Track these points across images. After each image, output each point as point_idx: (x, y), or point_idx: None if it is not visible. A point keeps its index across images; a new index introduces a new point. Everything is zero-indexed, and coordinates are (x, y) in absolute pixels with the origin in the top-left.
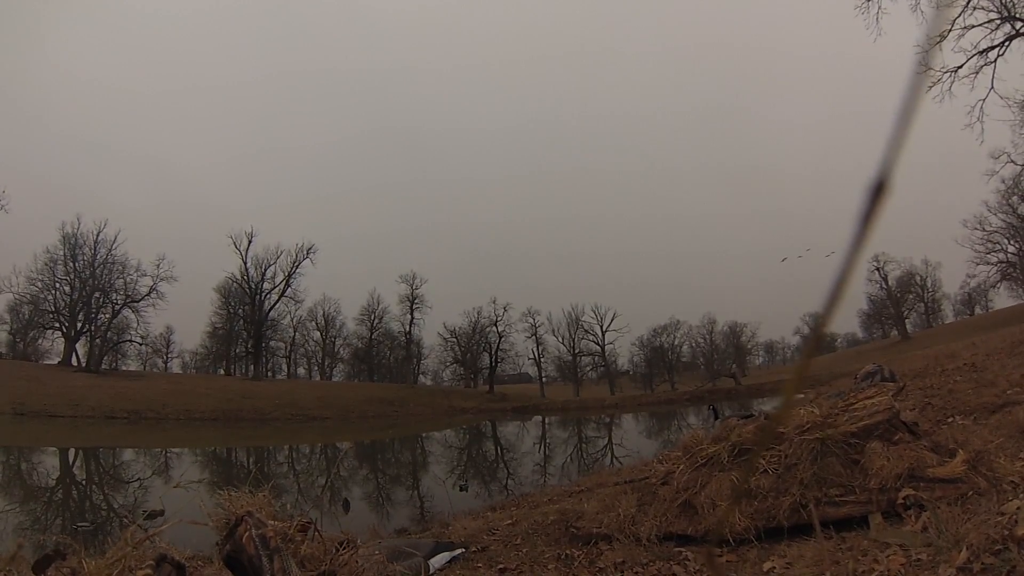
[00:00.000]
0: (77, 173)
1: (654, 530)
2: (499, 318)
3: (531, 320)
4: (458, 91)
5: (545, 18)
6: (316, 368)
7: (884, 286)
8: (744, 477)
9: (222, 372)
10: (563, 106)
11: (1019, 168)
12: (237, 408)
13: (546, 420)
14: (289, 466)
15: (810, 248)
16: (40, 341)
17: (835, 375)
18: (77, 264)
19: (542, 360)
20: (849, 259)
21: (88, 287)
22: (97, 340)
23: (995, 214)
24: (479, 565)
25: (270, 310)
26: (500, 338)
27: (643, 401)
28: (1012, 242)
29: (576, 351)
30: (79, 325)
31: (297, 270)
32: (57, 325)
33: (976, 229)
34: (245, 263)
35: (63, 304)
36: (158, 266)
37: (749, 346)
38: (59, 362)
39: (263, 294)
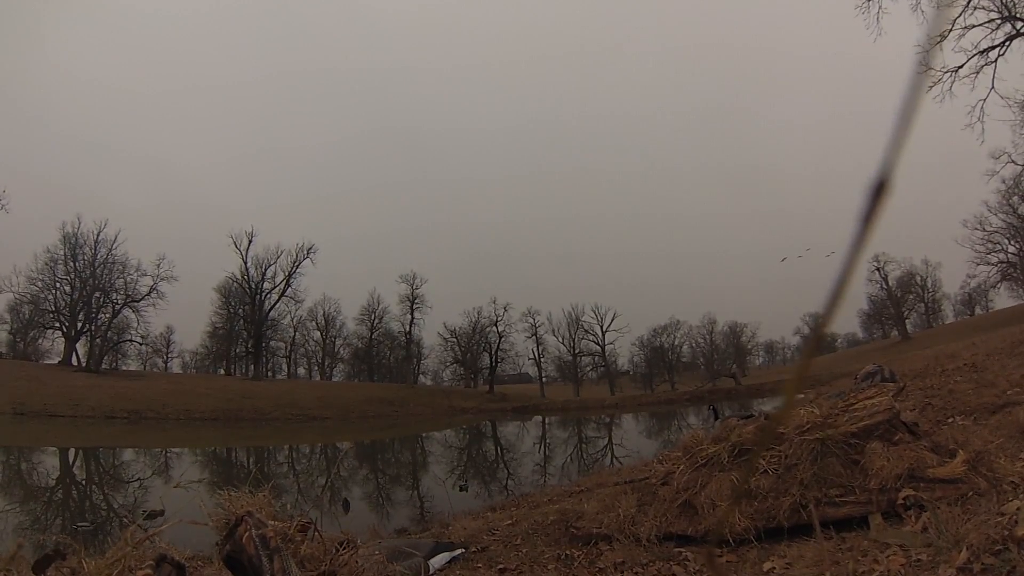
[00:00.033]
0: (77, 173)
1: (654, 530)
2: (499, 318)
3: (531, 320)
4: (458, 91)
5: (545, 18)
6: (316, 368)
7: (884, 286)
8: (744, 477)
9: (222, 372)
10: (563, 106)
11: (1019, 168)
12: (237, 408)
13: (546, 420)
14: (289, 466)
15: (810, 248)
16: (40, 341)
17: (835, 375)
18: (77, 264)
19: (542, 360)
20: (850, 259)
21: (88, 287)
22: (97, 340)
23: (995, 214)
24: (479, 565)
25: (270, 310)
26: (500, 338)
27: (643, 401)
28: (1012, 242)
29: (576, 351)
30: (79, 325)
31: (297, 270)
32: (57, 325)
33: (976, 229)
34: (245, 263)
35: (63, 304)
36: (158, 266)
37: (749, 346)
38: (59, 362)
39: (263, 294)
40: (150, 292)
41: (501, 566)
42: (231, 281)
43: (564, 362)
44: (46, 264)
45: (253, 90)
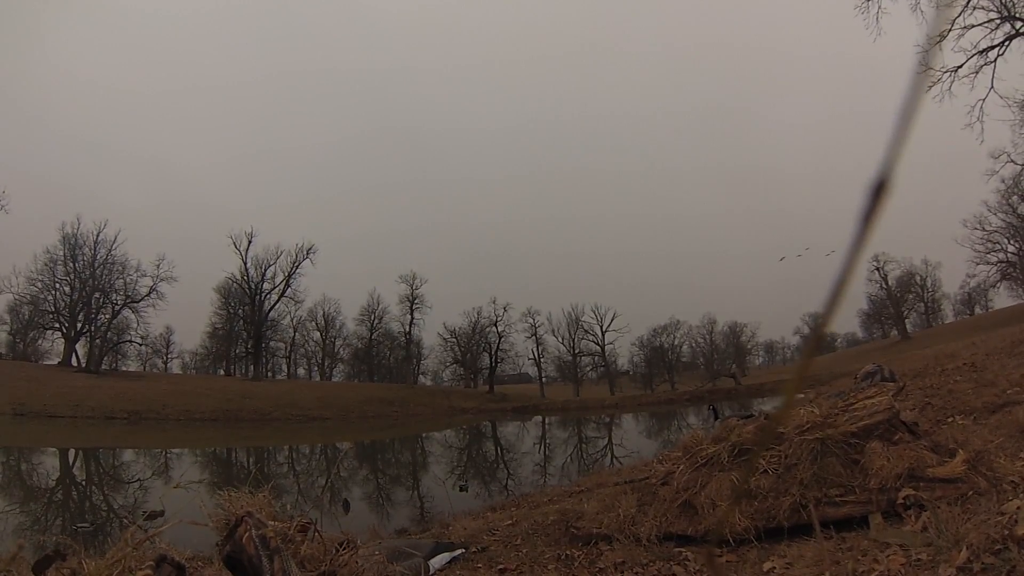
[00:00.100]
0: (77, 173)
1: (654, 530)
2: (499, 318)
3: (531, 320)
4: (458, 91)
5: (545, 18)
6: (316, 368)
7: (884, 286)
8: (744, 477)
9: (222, 372)
10: (563, 106)
11: (1019, 168)
12: (237, 408)
13: (546, 420)
14: (289, 466)
15: (809, 247)
16: (40, 342)
17: (835, 375)
18: (77, 264)
19: (542, 360)
20: (850, 259)
21: (88, 287)
22: (97, 340)
23: (995, 214)
24: (479, 565)
25: (270, 310)
26: (500, 338)
27: (643, 401)
28: (1012, 242)
29: (576, 351)
30: (79, 325)
31: (297, 270)
32: (57, 326)
33: (976, 229)
34: (245, 263)
35: (63, 304)
36: (158, 266)
37: (749, 346)
38: (59, 363)
39: (263, 294)
40: (150, 293)
41: (501, 566)
42: (231, 281)
43: (564, 362)
44: (46, 265)
45: (253, 90)
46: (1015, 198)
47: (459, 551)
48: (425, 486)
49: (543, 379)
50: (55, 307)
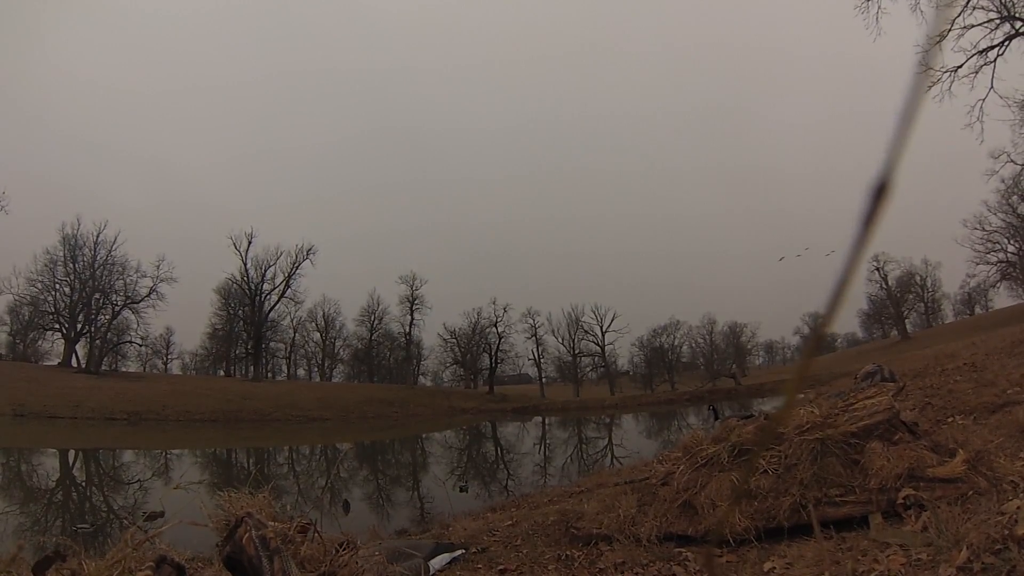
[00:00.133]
0: (77, 173)
1: (654, 530)
2: (499, 319)
3: (531, 321)
4: (458, 91)
5: (545, 18)
6: (316, 369)
7: (884, 286)
8: (744, 477)
9: (222, 373)
10: (563, 106)
11: (1019, 167)
12: (237, 409)
13: (546, 421)
14: (289, 467)
15: (808, 247)
16: (40, 342)
17: (835, 375)
18: (77, 265)
19: (542, 361)
20: (850, 260)
21: (88, 288)
22: (97, 341)
23: (995, 214)
24: (479, 566)
25: (270, 311)
26: (500, 339)
27: (643, 401)
28: (1012, 242)
29: (576, 351)
30: (79, 326)
31: (297, 271)
32: (57, 326)
33: (976, 229)
34: (245, 264)
35: (63, 305)
36: (158, 267)
37: (749, 346)
38: (59, 363)
39: (263, 295)
40: (150, 293)
41: (501, 567)
42: (231, 282)
43: (564, 362)
44: (45, 265)
45: (253, 90)
46: (1015, 198)
47: (459, 552)
48: (425, 487)
49: (543, 379)
50: (55, 308)
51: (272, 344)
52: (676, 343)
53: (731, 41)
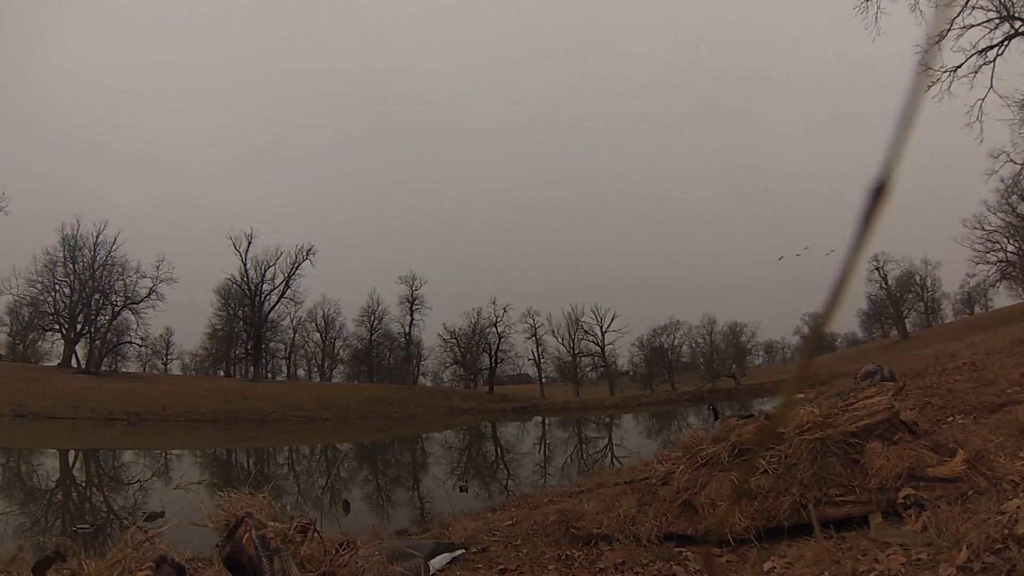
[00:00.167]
0: (77, 173)
1: (654, 530)
2: (499, 319)
3: (531, 321)
4: (458, 91)
5: (545, 18)
6: (316, 369)
7: (884, 286)
8: (744, 477)
9: (222, 374)
10: (563, 106)
11: (1018, 167)
12: (237, 409)
13: (546, 421)
14: (289, 467)
15: (808, 247)
16: (40, 343)
17: (835, 375)
18: (77, 266)
19: (542, 361)
20: (849, 260)
21: (88, 289)
22: (97, 342)
23: (994, 213)
24: (479, 566)
25: (270, 311)
26: (500, 339)
27: (643, 401)
28: (1011, 241)
29: (576, 351)
30: (79, 327)
31: (297, 271)
32: (57, 327)
33: (975, 228)
34: (245, 264)
35: (63, 306)
36: (158, 267)
37: (749, 346)
38: (59, 364)
39: (263, 295)
40: (149, 294)
41: (501, 567)
42: (230, 283)
43: (564, 363)
44: (45, 266)
45: (253, 90)
46: (1014, 197)
47: (459, 551)
48: (425, 487)
49: (543, 380)
50: (55, 308)
51: (272, 344)
52: (676, 343)
53: (731, 41)
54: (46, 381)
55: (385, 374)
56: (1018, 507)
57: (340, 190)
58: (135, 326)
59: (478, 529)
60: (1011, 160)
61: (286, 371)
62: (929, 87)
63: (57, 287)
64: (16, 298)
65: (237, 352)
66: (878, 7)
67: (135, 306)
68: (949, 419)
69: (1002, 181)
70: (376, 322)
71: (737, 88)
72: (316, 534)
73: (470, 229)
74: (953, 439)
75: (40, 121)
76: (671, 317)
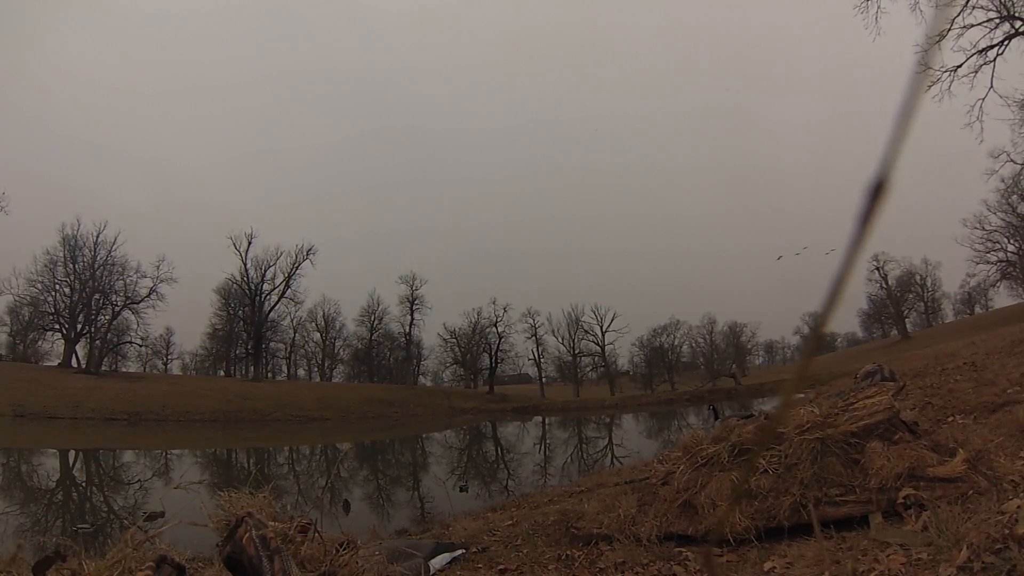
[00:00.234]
0: (77, 173)
1: (654, 530)
2: (499, 319)
3: (531, 321)
4: (458, 91)
5: (545, 18)
6: (316, 369)
7: (884, 285)
8: (744, 477)
9: (222, 373)
10: (563, 106)
11: (1018, 167)
12: (237, 409)
13: (546, 420)
14: (289, 467)
15: (807, 246)
16: (40, 343)
17: (835, 375)
18: (77, 266)
19: (542, 361)
20: (848, 259)
21: (88, 289)
22: (97, 342)
23: (995, 213)
24: (479, 566)
25: (270, 311)
26: (500, 339)
27: (643, 401)
28: (1012, 241)
29: (576, 351)
30: (79, 327)
31: (297, 271)
32: (57, 327)
33: (976, 228)
34: (245, 264)
35: (63, 306)
36: (158, 267)
37: (749, 346)
38: (59, 364)
39: (263, 295)
40: (150, 294)
41: (502, 566)
42: (231, 282)
43: (564, 362)
44: (45, 266)
45: (253, 90)
46: (1015, 197)
47: (459, 551)
48: (425, 487)
49: (543, 379)
50: (55, 308)
51: (272, 344)
52: (676, 343)
53: (731, 41)
54: (46, 381)
55: (385, 374)
56: (1018, 507)
57: (340, 190)
58: (135, 326)
59: (478, 529)
60: (1011, 160)
61: (286, 371)
62: (929, 87)
63: (57, 287)
64: (16, 298)
65: (237, 352)
66: (878, 7)
67: (135, 306)
68: (949, 419)
69: (1002, 181)
70: (376, 322)
71: (737, 88)
72: (316, 534)
73: (470, 229)
74: (953, 439)
75: (40, 121)
76: (671, 317)
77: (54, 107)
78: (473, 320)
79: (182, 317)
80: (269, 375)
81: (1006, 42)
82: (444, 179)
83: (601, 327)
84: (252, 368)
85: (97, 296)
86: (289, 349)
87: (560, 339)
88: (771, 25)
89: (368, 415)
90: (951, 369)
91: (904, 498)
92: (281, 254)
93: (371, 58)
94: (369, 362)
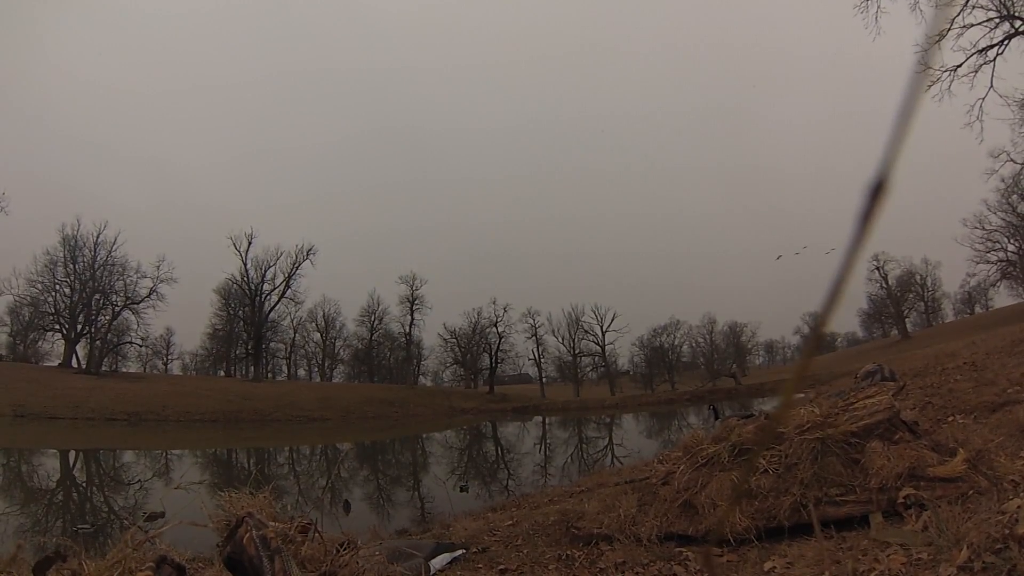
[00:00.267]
0: (77, 173)
1: (655, 530)
2: (499, 319)
3: (531, 320)
4: (458, 91)
5: (545, 18)
6: (316, 369)
7: (884, 285)
8: (744, 477)
9: (222, 374)
10: (563, 106)
11: (1018, 166)
12: (237, 409)
13: (546, 420)
14: (289, 467)
15: (807, 246)
16: (40, 343)
17: (835, 375)
18: (77, 266)
19: (542, 360)
20: (848, 258)
21: (88, 289)
22: (97, 342)
23: (995, 213)
24: (480, 566)
25: (270, 311)
26: (500, 339)
27: (643, 401)
28: (1012, 241)
29: (576, 351)
30: (79, 327)
31: (297, 271)
32: (57, 327)
33: (976, 228)
34: (245, 264)
35: (63, 306)
36: (158, 267)
37: (749, 346)
38: (59, 364)
39: (263, 295)
40: (150, 294)
41: (502, 566)
42: (231, 283)
43: (564, 362)
44: (46, 266)
45: (253, 90)
46: (1015, 197)
47: (460, 552)
48: (426, 487)
49: (543, 379)
50: (55, 309)
51: (272, 344)
52: (676, 343)
53: (731, 41)
54: (46, 381)
55: (385, 374)
56: (1019, 507)
57: (340, 190)
58: (135, 326)
59: (479, 529)
60: (1011, 160)
61: (286, 371)
62: (929, 86)
63: (57, 287)
64: (16, 298)
65: (237, 352)
66: (878, 6)
67: (135, 306)
68: (949, 419)
69: (1002, 180)
70: (376, 322)
71: (737, 88)
72: (317, 534)
73: (470, 229)
74: (953, 439)
75: (40, 121)
76: (671, 317)
77: (54, 107)
78: (473, 320)
79: (182, 317)
80: (269, 375)
81: (1006, 42)
82: (444, 179)
83: (601, 327)
84: (252, 368)
85: (97, 296)
86: (289, 349)
87: (560, 339)
88: (771, 25)
89: (368, 415)
90: (951, 369)
91: (904, 498)
92: (281, 254)
93: (371, 58)
94: (369, 362)
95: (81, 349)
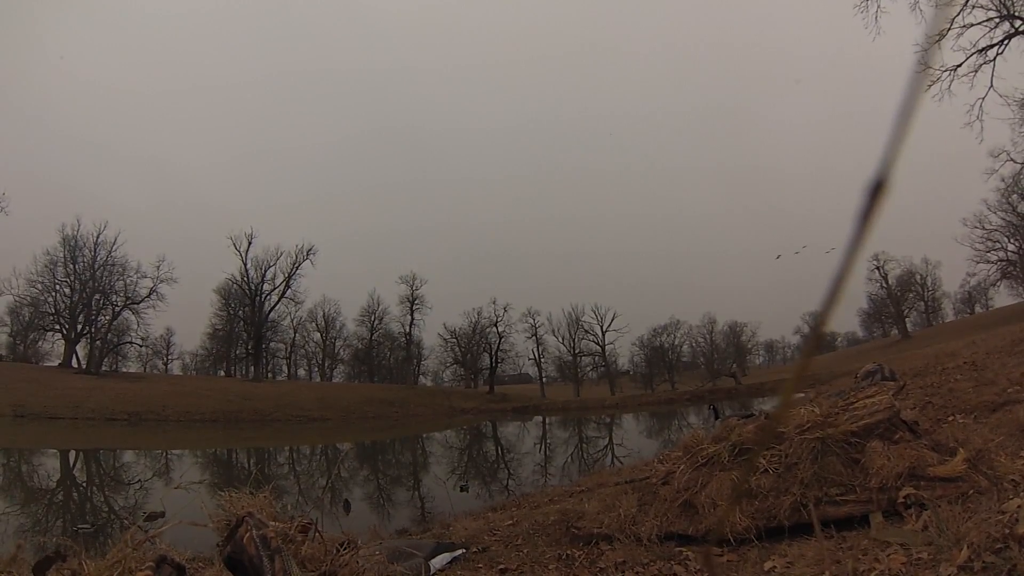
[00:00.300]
0: (77, 173)
1: (655, 530)
2: (499, 318)
3: (531, 320)
4: (458, 91)
5: (545, 18)
6: (316, 369)
7: (884, 285)
8: (744, 477)
9: (222, 374)
10: (563, 106)
11: (1018, 166)
12: (237, 409)
13: (546, 420)
14: (290, 467)
15: (806, 245)
16: (40, 343)
17: (835, 374)
18: (77, 266)
19: (542, 360)
20: (848, 258)
21: (88, 289)
22: (97, 342)
23: (995, 212)
24: (480, 566)
25: (270, 311)
26: (500, 338)
27: (643, 401)
28: (1012, 240)
29: (576, 351)
30: (79, 327)
31: (297, 271)
32: (57, 327)
33: (976, 227)
34: (245, 264)
35: (63, 306)
36: (158, 267)
37: (749, 345)
38: (59, 364)
39: (263, 295)
40: (150, 294)
41: (502, 566)
42: (231, 283)
43: (564, 362)
44: (46, 266)
45: (253, 90)
46: (1015, 196)
47: (460, 551)
48: (426, 486)
49: (543, 379)
50: (55, 309)
51: (272, 344)
52: (676, 343)
53: (731, 41)
54: (46, 381)
55: (385, 374)
56: (1019, 506)
57: (340, 190)
58: (135, 326)
59: (479, 529)
60: (1011, 159)
61: (286, 371)
62: (929, 86)
63: (57, 287)
64: (16, 298)
65: (237, 352)
66: (878, 6)
67: (135, 306)
68: (950, 418)
69: (1002, 180)
70: (376, 322)
71: (737, 88)
72: (317, 534)
73: (470, 229)
74: (954, 438)
75: (40, 121)
76: (671, 317)
77: (54, 107)
78: (473, 320)
79: (182, 317)
80: (269, 375)
81: (1006, 41)
82: (444, 179)
83: (601, 327)
84: (252, 368)
85: (97, 296)
86: (289, 349)
87: (560, 339)
88: (771, 25)
89: (368, 415)
90: (951, 368)
91: (904, 497)
92: (281, 254)
93: (371, 58)
94: (369, 362)
95: (81, 349)
